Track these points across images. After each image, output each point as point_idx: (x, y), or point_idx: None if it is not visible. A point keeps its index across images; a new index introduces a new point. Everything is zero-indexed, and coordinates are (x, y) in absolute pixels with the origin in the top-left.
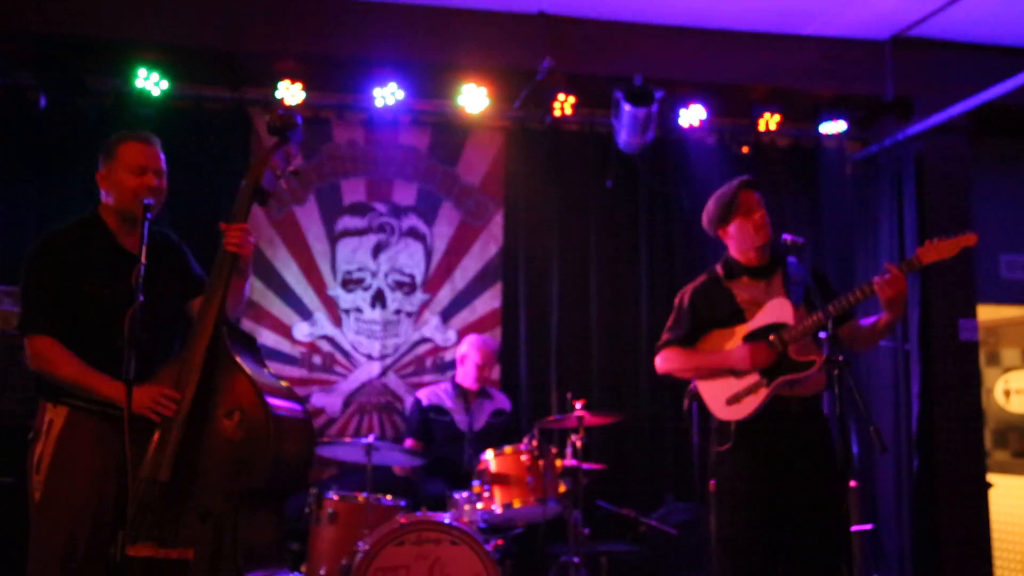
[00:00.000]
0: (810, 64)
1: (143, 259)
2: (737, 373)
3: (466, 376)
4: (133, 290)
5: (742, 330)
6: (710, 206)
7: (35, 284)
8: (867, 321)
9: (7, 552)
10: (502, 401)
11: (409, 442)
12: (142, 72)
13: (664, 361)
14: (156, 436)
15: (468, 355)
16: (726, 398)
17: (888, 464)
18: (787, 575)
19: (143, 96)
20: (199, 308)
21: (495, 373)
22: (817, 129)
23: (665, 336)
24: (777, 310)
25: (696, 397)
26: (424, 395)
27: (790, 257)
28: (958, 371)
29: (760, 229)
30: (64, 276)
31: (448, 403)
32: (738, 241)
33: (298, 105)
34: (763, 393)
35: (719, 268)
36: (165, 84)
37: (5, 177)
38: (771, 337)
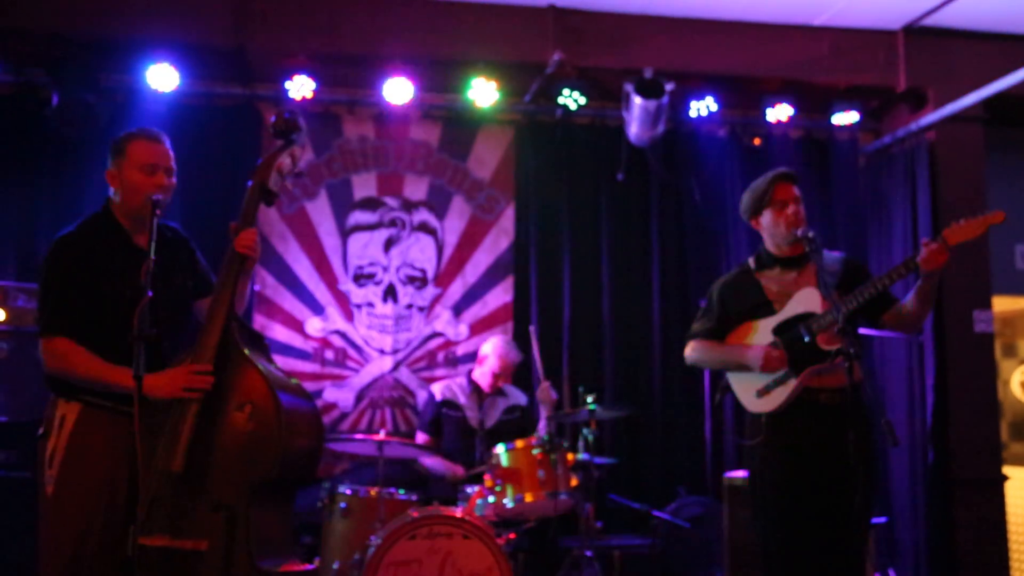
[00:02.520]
0: (822, 55)
1: (152, 255)
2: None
3: (482, 377)
4: (144, 286)
5: (771, 321)
6: (745, 195)
7: (52, 287)
8: (909, 297)
9: (24, 545)
10: (517, 397)
11: (421, 437)
12: (154, 69)
13: (690, 352)
14: (169, 428)
15: (488, 359)
16: (756, 390)
17: (902, 456)
18: (818, 566)
19: (155, 93)
20: (210, 305)
21: None
22: (829, 120)
23: (694, 327)
24: (806, 300)
25: (728, 390)
26: (438, 389)
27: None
28: (973, 363)
29: (792, 224)
30: (82, 278)
31: (461, 399)
32: (770, 233)
33: (308, 100)
34: (792, 385)
35: (751, 260)
36: (176, 81)
37: (19, 174)
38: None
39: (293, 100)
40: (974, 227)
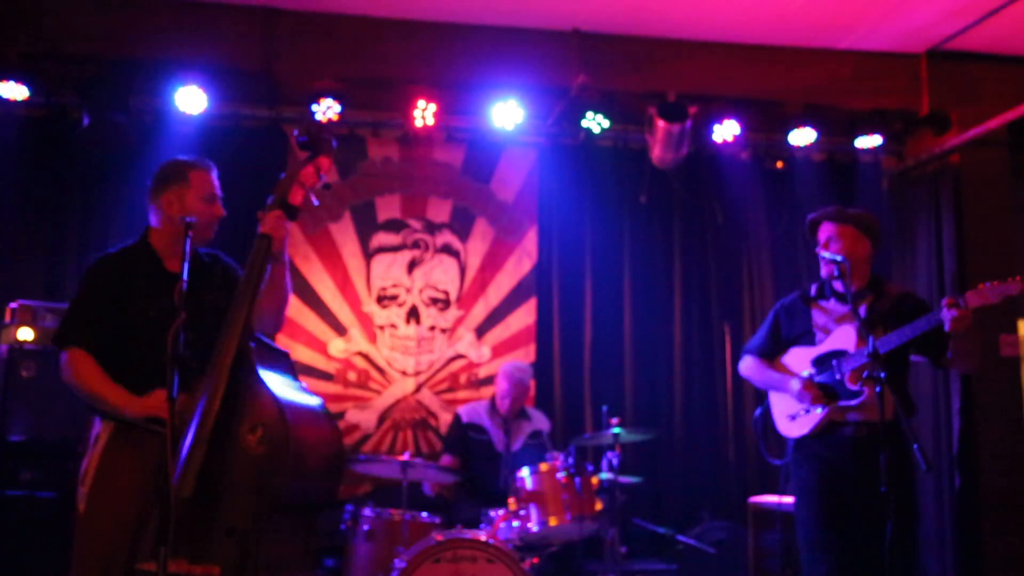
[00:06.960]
0: (845, 78)
1: (185, 275)
2: None
3: (499, 401)
4: (176, 308)
5: (811, 352)
6: None
7: (79, 303)
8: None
9: (53, 564)
10: (540, 422)
11: (446, 459)
12: (182, 91)
13: (743, 366)
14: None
15: (498, 383)
16: (788, 414)
17: (929, 482)
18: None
19: (183, 115)
20: (225, 320)
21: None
22: (852, 143)
23: (750, 342)
24: (842, 338)
25: (767, 408)
26: (464, 412)
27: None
28: (1000, 387)
29: (827, 264)
30: (109, 299)
31: (486, 422)
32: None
33: (334, 123)
34: (816, 417)
35: (814, 287)
36: (204, 103)
37: (49, 194)
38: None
39: (319, 122)
40: (993, 295)
